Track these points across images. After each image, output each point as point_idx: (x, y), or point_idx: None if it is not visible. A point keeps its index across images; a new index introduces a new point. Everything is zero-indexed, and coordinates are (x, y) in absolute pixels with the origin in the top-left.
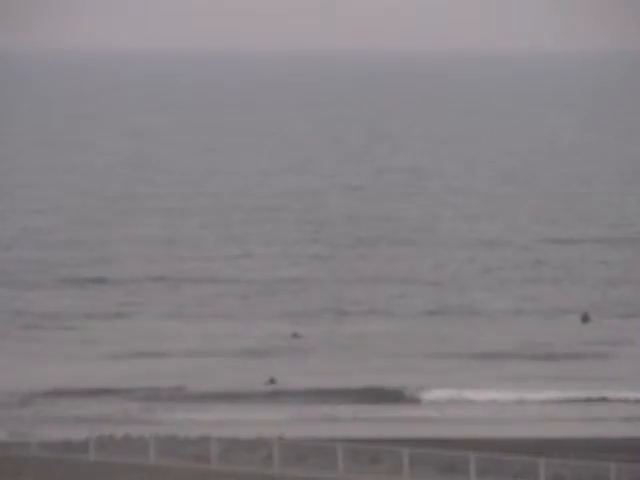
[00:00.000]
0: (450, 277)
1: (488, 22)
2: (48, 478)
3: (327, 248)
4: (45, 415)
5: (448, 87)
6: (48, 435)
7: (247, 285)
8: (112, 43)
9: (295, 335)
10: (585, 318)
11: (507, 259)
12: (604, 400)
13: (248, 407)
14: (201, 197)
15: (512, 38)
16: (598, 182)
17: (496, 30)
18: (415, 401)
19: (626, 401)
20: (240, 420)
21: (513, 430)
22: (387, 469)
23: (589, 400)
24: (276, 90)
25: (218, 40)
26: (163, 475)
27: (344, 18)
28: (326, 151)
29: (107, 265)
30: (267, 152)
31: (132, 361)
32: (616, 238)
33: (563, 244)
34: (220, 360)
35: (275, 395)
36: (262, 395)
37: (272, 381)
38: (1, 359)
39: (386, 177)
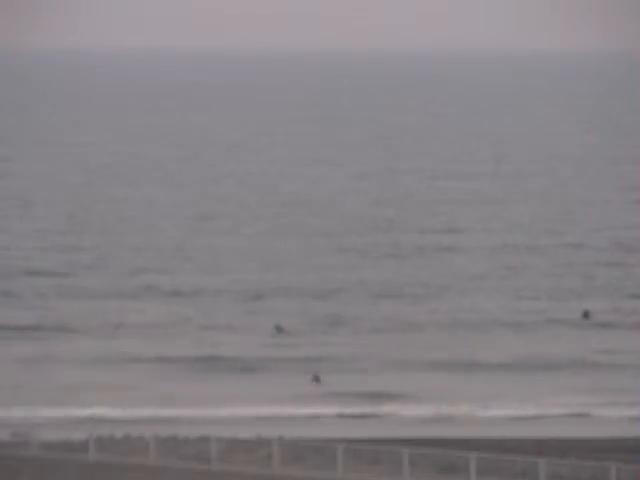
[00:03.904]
0: (448, 283)
1: (488, 22)
2: (48, 478)
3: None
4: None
5: (448, 87)
6: (48, 435)
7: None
8: (112, 43)
9: (278, 328)
10: (586, 314)
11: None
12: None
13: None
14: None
15: (511, 38)
16: (601, 184)
17: (496, 30)
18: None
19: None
20: (240, 420)
21: (513, 430)
22: (387, 469)
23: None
24: (275, 90)
25: (218, 40)
26: (163, 475)
27: (343, 18)
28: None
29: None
30: (267, 153)
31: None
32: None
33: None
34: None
35: None
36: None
37: (316, 378)
38: None
39: (388, 178)
